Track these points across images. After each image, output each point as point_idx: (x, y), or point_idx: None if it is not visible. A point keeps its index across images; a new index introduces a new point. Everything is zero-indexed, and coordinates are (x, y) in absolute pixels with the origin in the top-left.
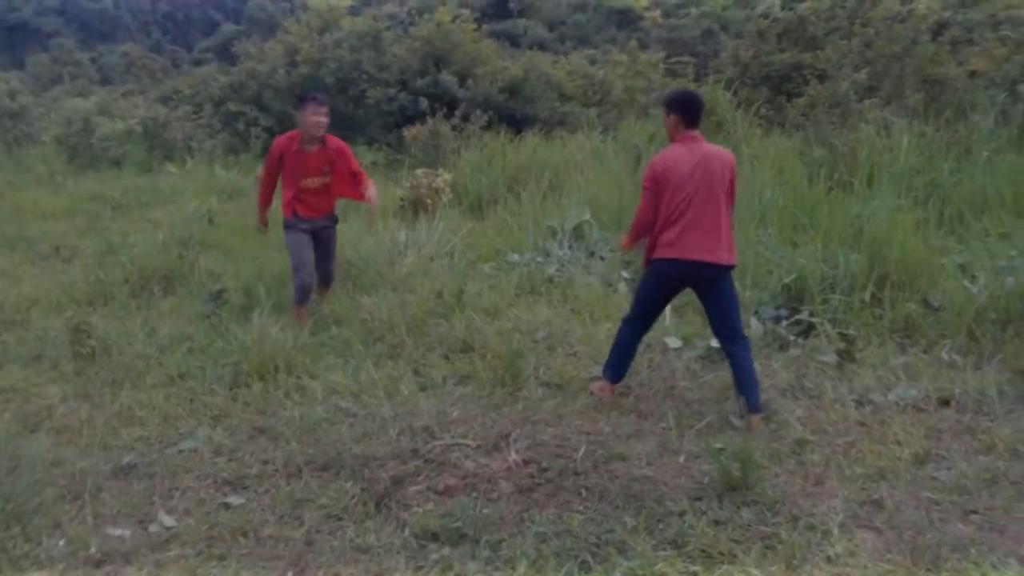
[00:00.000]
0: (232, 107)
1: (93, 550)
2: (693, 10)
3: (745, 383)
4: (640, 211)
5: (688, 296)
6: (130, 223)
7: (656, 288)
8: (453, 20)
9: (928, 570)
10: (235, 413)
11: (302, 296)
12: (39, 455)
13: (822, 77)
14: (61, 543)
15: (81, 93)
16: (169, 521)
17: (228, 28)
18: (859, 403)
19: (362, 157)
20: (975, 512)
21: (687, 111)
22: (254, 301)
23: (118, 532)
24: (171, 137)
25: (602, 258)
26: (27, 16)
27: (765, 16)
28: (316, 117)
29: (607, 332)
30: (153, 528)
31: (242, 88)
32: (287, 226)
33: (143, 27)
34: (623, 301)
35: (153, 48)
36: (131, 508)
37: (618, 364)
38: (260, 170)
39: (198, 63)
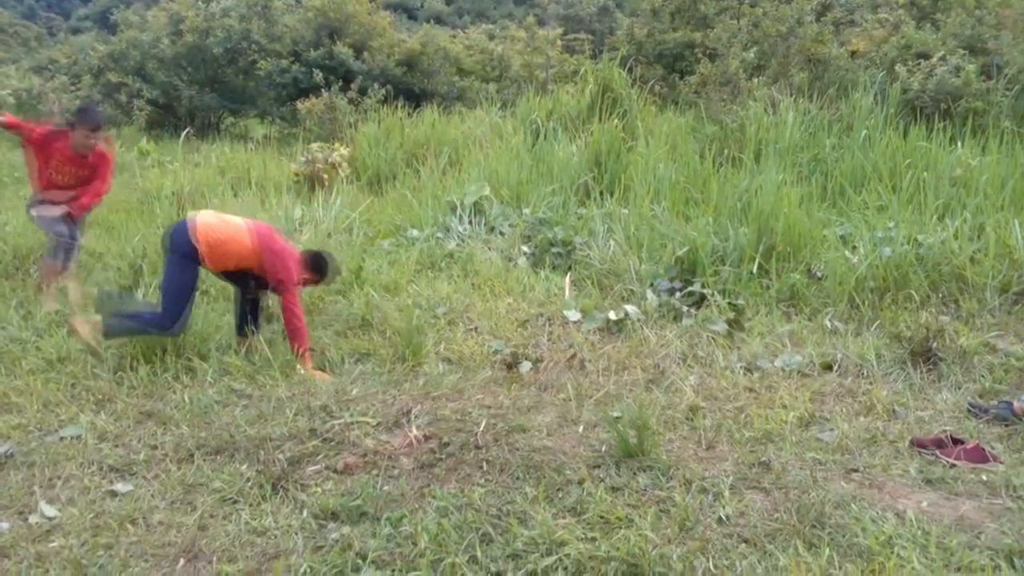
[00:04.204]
0: (113, 78)
1: None
2: None
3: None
4: None
5: (589, 269)
6: (3, 201)
7: None
8: None
9: (813, 527)
10: (120, 398)
11: None
12: None
13: (713, 56)
14: None
15: None
16: (51, 511)
17: None
18: (748, 370)
19: (254, 131)
20: (856, 470)
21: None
22: (138, 280)
23: None
24: (47, 109)
25: (502, 233)
26: None
27: None
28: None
29: (508, 306)
30: (33, 519)
31: (123, 58)
32: None
33: None
34: (523, 275)
35: (26, 15)
36: (9, 499)
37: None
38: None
39: (76, 31)
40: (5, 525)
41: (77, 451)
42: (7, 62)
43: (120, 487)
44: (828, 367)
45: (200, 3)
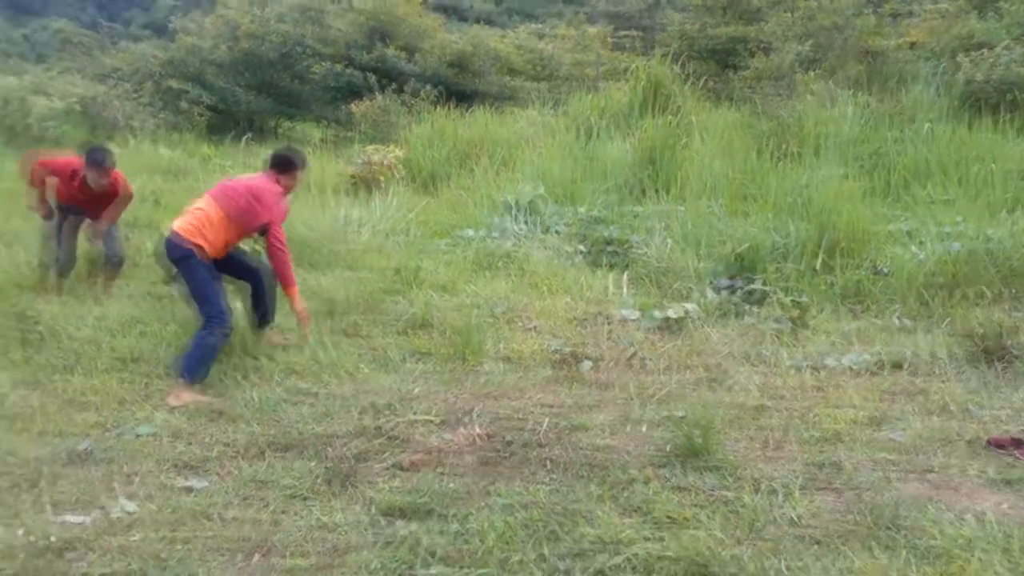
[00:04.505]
0: (173, 85)
1: (53, 538)
2: None
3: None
4: None
5: (646, 267)
6: None
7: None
8: None
9: (888, 529)
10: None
11: None
12: None
13: (766, 50)
14: (20, 533)
15: (14, 72)
16: (130, 506)
17: (165, 3)
18: (814, 368)
19: (310, 134)
20: (931, 471)
21: None
22: None
23: (78, 519)
24: (111, 116)
25: (557, 232)
26: None
27: None
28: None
29: (565, 305)
30: (114, 514)
31: (182, 65)
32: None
33: (77, 1)
34: (579, 274)
35: (88, 24)
36: (90, 495)
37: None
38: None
39: (136, 39)
40: (88, 519)
41: (153, 448)
42: (72, 71)
43: (195, 483)
44: (897, 365)
45: (255, 10)
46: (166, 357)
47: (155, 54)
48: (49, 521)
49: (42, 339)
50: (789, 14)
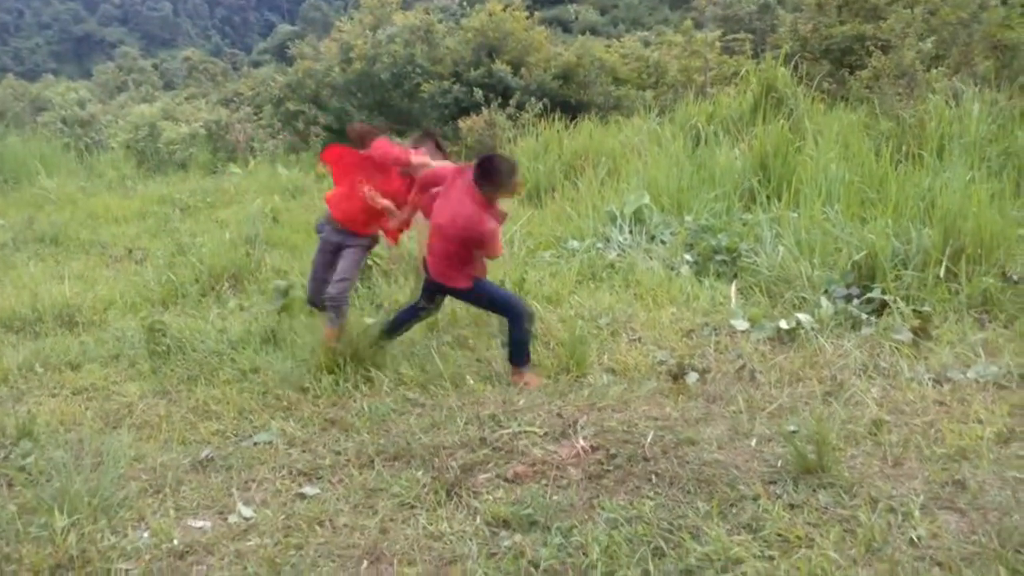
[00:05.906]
0: (291, 106)
1: (176, 542)
2: None
3: None
4: None
5: (756, 276)
6: (198, 224)
7: None
8: (504, 9)
9: (1016, 551)
10: (306, 406)
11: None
12: (122, 451)
13: (885, 48)
14: (145, 535)
15: (146, 99)
16: (247, 512)
17: (284, 29)
18: (937, 381)
19: None
20: None
21: None
22: None
23: (199, 524)
24: (233, 139)
25: (663, 242)
26: (92, 27)
27: None
28: None
29: (671, 316)
30: (232, 519)
31: (300, 87)
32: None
33: (202, 32)
34: (686, 284)
35: (213, 52)
36: (211, 500)
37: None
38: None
39: (256, 64)
40: (208, 524)
41: (269, 456)
42: (198, 96)
43: (308, 490)
44: None
45: (368, 32)
46: (283, 369)
47: (274, 78)
48: (172, 525)
49: (168, 351)
50: (910, 10)
